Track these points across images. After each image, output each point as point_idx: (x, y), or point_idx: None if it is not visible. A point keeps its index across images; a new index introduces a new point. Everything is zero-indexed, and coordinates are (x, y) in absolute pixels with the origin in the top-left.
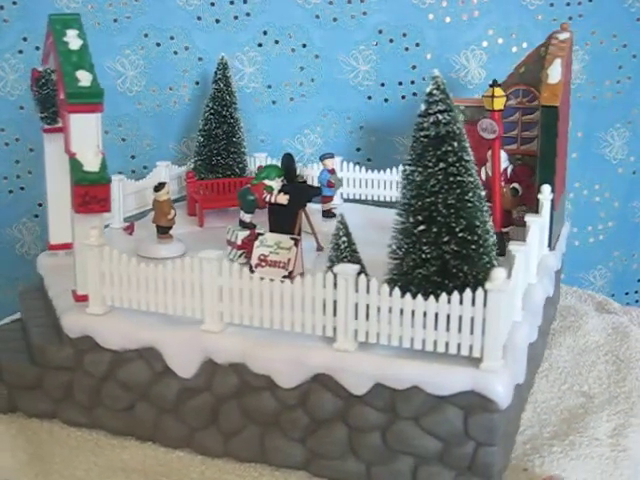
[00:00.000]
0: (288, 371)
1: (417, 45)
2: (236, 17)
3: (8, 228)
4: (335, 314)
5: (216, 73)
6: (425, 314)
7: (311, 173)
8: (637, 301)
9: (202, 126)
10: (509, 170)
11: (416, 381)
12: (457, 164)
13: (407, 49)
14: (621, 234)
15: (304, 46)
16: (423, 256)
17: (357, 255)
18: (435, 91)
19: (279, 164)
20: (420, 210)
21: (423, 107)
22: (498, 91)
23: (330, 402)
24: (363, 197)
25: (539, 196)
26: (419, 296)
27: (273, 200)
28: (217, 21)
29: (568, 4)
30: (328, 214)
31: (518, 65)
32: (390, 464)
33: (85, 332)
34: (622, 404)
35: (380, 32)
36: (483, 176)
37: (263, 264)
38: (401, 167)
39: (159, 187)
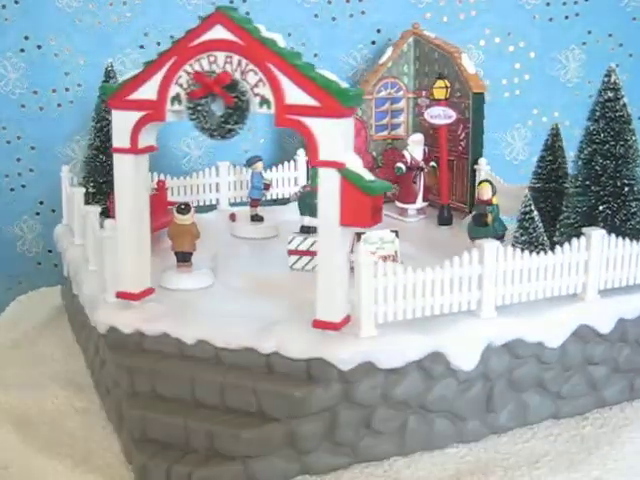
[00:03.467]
0: (557, 332)
1: None
2: None
3: (9, 226)
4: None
5: (107, 80)
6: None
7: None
8: None
9: (99, 142)
10: (426, 151)
11: None
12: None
13: None
14: None
15: (303, 45)
16: (632, 211)
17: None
18: (617, 80)
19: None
20: (625, 175)
21: (610, 94)
22: (447, 82)
23: (580, 348)
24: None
25: (475, 167)
26: None
27: None
28: None
29: (564, 3)
30: (257, 218)
31: (385, 61)
32: (617, 384)
33: (363, 359)
34: None
35: (378, 31)
36: (408, 158)
37: None
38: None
39: (185, 209)
